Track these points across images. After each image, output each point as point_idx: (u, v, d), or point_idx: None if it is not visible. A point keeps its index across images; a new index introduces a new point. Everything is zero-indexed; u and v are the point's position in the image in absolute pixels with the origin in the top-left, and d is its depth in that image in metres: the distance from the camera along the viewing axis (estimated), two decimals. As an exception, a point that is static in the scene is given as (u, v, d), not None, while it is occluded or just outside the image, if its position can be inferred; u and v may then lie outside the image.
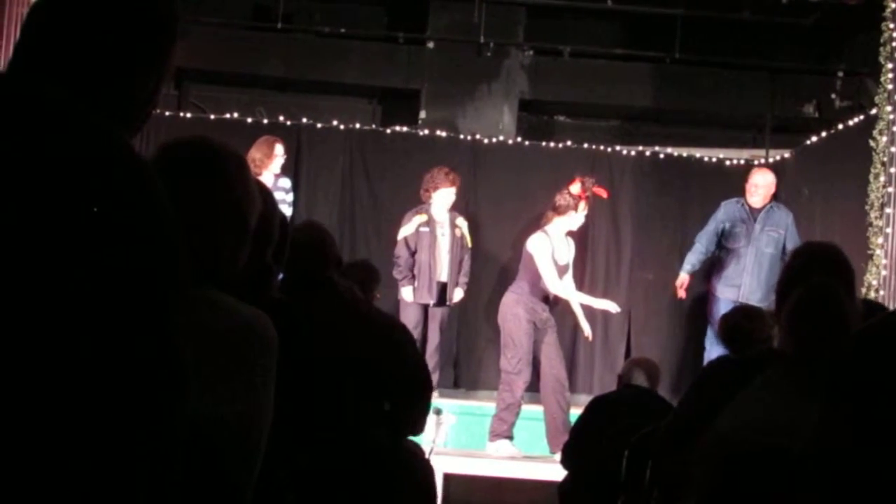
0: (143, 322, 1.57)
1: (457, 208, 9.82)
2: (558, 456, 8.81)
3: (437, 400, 8.09)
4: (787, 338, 3.32)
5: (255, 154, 9.46)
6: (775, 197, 9.97)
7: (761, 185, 9.85)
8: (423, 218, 9.51)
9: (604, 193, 9.50)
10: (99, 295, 1.53)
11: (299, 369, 2.77)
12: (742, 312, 5.64)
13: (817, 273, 3.50)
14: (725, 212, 9.91)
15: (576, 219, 9.11)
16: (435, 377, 8.76)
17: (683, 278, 9.93)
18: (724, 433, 3.12)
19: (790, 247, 9.63)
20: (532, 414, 9.07)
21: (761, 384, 3.17)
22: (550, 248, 8.91)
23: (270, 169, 9.54)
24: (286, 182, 9.77)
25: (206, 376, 1.78)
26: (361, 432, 4.26)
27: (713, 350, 9.52)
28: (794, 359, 3.21)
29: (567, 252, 9.10)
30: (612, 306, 9.43)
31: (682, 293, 10.01)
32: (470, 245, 9.70)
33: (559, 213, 9.05)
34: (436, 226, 9.52)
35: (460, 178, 9.70)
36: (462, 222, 9.69)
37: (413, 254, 9.46)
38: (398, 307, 9.50)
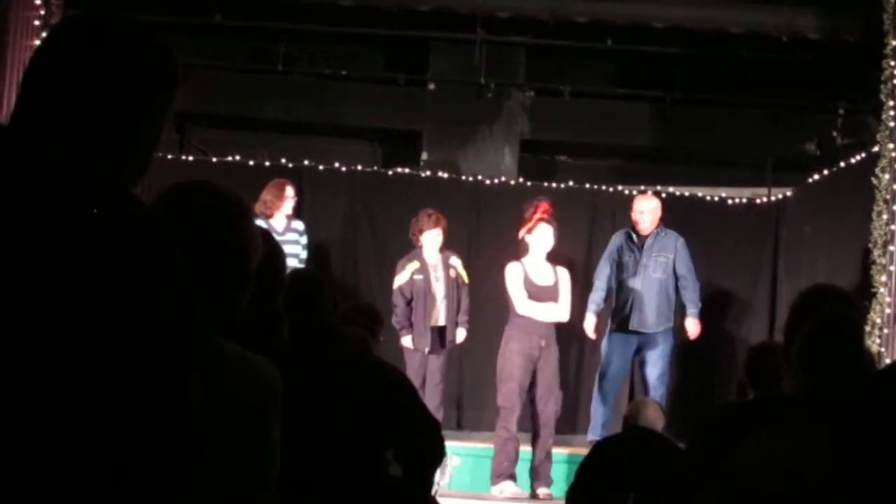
0: (162, 395, 1.57)
1: (457, 249, 9.76)
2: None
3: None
4: (800, 372, 3.20)
5: (266, 196, 9.48)
6: (663, 222, 9.67)
7: (646, 210, 9.62)
8: (415, 265, 9.41)
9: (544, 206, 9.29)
10: (118, 370, 1.54)
11: (302, 415, 2.74)
12: (765, 348, 5.54)
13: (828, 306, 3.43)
14: (614, 243, 9.69)
15: (537, 240, 9.08)
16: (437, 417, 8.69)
17: (590, 320, 9.57)
18: (733, 478, 3.08)
19: (681, 270, 9.52)
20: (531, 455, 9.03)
21: (771, 428, 3.12)
22: (521, 272, 8.95)
23: (282, 210, 9.56)
24: (299, 224, 9.76)
25: (211, 425, 1.76)
26: (365, 479, 4.22)
27: (606, 383, 9.40)
28: (805, 399, 3.15)
29: (548, 275, 9.06)
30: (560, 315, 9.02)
31: (592, 335, 9.65)
32: (467, 281, 9.58)
33: (523, 242, 9.12)
34: (429, 271, 9.41)
35: (445, 218, 9.55)
36: (456, 261, 9.56)
37: (409, 302, 9.37)
38: (401, 353, 9.43)
